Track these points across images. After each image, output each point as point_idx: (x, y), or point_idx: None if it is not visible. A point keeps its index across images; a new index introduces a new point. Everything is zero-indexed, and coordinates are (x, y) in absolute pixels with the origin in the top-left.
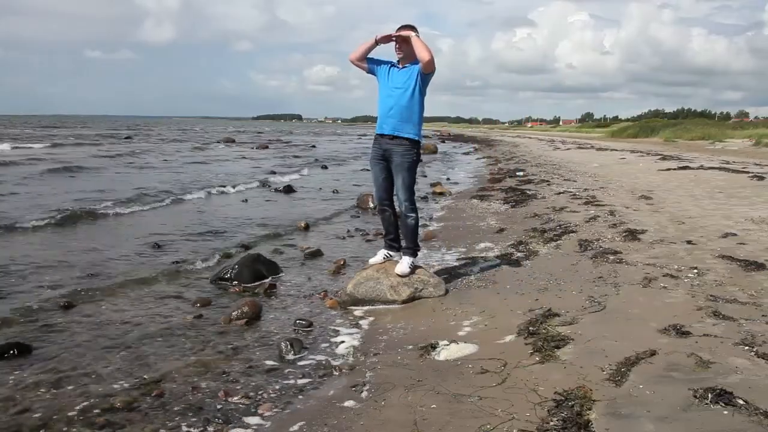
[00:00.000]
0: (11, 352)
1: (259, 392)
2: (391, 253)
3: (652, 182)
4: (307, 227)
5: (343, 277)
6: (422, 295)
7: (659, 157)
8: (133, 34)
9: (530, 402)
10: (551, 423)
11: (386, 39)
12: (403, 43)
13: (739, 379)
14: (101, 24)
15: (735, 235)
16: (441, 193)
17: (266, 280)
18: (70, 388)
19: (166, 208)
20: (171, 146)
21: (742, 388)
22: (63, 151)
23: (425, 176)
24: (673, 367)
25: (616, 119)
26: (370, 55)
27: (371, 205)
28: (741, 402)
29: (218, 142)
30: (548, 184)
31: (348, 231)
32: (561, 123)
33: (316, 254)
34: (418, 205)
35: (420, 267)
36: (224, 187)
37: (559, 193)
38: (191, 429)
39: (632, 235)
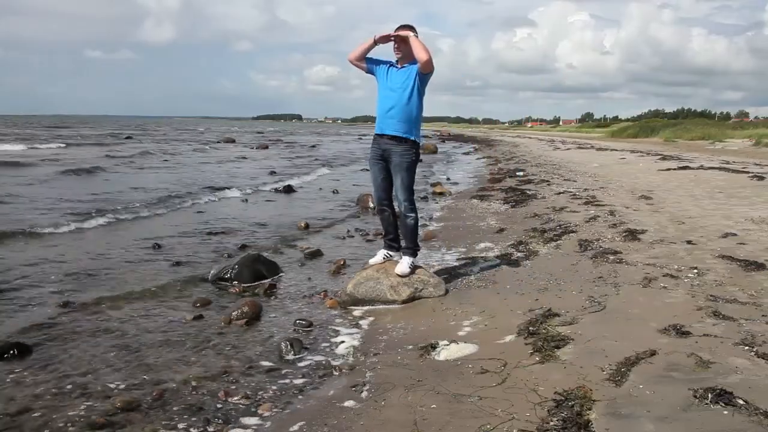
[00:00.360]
0: (11, 352)
1: (259, 392)
2: (390, 253)
3: (652, 182)
4: (307, 227)
5: (343, 277)
6: (422, 295)
7: (659, 157)
8: (134, 34)
9: (530, 402)
10: (551, 423)
11: (385, 39)
12: (402, 43)
13: (739, 379)
14: (101, 24)
15: (735, 235)
16: (441, 193)
17: (266, 280)
18: (69, 388)
19: (183, 210)
20: (181, 146)
21: (742, 388)
22: (77, 151)
23: (425, 176)
24: (673, 367)
25: (616, 119)
26: (369, 55)
27: (371, 205)
28: (741, 402)
29: (219, 141)
30: (548, 184)
31: (348, 231)
32: (561, 123)
33: (316, 254)
34: (418, 205)
35: (420, 267)
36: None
37: (559, 193)
38: (191, 429)
39: (632, 235)
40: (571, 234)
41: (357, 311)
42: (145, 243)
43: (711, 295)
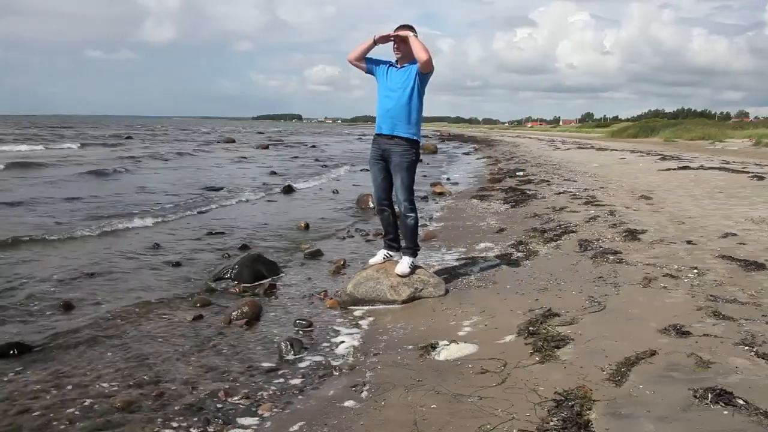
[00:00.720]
0: (11, 352)
1: (259, 392)
2: (390, 253)
3: (652, 182)
4: (307, 227)
5: (343, 277)
6: (422, 295)
7: (659, 157)
8: (134, 34)
9: (530, 402)
10: (551, 423)
11: (384, 39)
12: (402, 43)
13: (739, 379)
14: (101, 24)
15: (735, 235)
16: (441, 193)
17: (266, 280)
18: (69, 388)
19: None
20: (189, 147)
21: (742, 388)
22: (93, 151)
23: (425, 176)
24: (673, 367)
25: (616, 119)
26: (368, 55)
27: (371, 205)
28: (741, 402)
29: (219, 141)
30: (548, 184)
31: (348, 231)
32: (561, 123)
33: (316, 254)
34: (418, 205)
35: (420, 267)
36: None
37: (559, 193)
38: (191, 429)
39: (632, 235)
40: (571, 234)
41: (357, 311)
42: (145, 243)
43: (711, 295)
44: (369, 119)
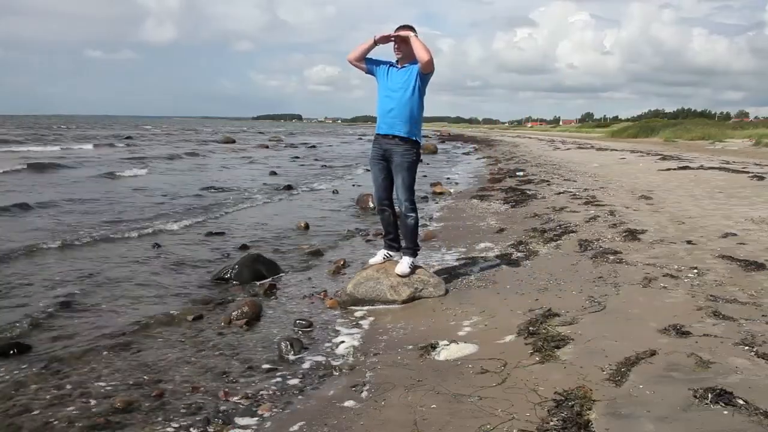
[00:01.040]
0: (11, 352)
1: (259, 392)
2: (390, 253)
3: (652, 182)
4: (307, 227)
5: (343, 277)
6: (422, 295)
7: (659, 157)
8: (134, 34)
9: (530, 402)
10: (551, 423)
11: (385, 39)
12: (402, 44)
13: (739, 379)
14: (102, 24)
15: (735, 235)
16: (441, 193)
17: (266, 280)
18: (69, 387)
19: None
20: (198, 147)
21: (742, 388)
22: (109, 151)
23: (425, 176)
24: (673, 367)
25: (616, 119)
26: (368, 56)
27: (371, 205)
28: (741, 402)
29: (226, 142)
30: (548, 184)
31: (348, 231)
32: (561, 123)
33: (316, 254)
34: (418, 205)
35: (420, 267)
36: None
37: (559, 193)
38: (191, 429)
39: (632, 235)
40: (571, 234)
41: (357, 311)
42: (146, 242)
43: (711, 295)
44: (369, 119)
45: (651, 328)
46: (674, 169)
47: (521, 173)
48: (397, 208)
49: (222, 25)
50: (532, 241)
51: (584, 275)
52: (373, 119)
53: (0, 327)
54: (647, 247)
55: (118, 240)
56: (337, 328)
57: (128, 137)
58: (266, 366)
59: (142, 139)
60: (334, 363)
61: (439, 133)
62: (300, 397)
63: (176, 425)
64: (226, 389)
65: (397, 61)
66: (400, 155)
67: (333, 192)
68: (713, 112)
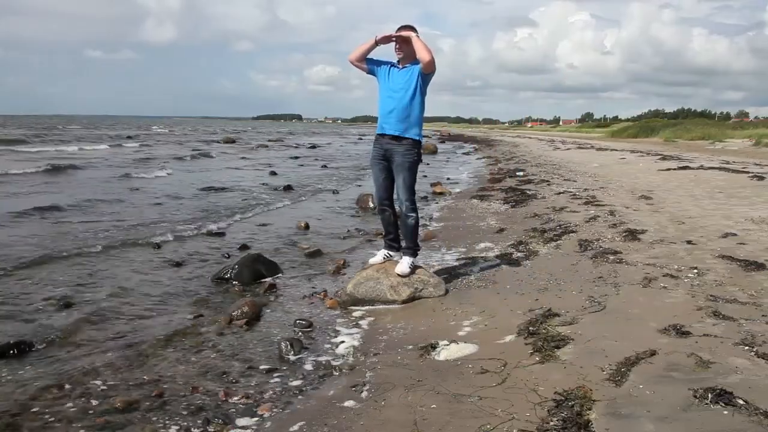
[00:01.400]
0: (11, 351)
1: (259, 392)
2: (391, 253)
3: (652, 182)
4: (307, 227)
5: (343, 277)
6: (422, 295)
7: (659, 157)
8: (134, 34)
9: (530, 402)
10: (551, 423)
11: (386, 39)
12: (403, 44)
13: (739, 379)
14: (102, 24)
15: (735, 235)
16: (441, 193)
17: (266, 280)
18: (69, 387)
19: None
20: (207, 148)
21: (742, 388)
22: (126, 151)
23: (425, 176)
24: (673, 367)
25: (616, 119)
26: (369, 56)
27: (371, 205)
28: (741, 402)
29: (233, 142)
30: (548, 184)
31: (348, 231)
32: (561, 123)
33: (316, 254)
34: (418, 205)
35: (420, 267)
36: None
37: (559, 193)
38: (191, 429)
39: (632, 235)
40: (571, 234)
41: (357, 311)
42: (145, 241)
43: (711, 295)
44: (369, 119)
45: (651, 328)
46: (674, 169)
47: (521, 173)
48: (397, 208)
49: (222, 25)
50: (532, 241)
51: (584, 275)
52: (373, 119)
53: (0, 327)
54: (647, 247)
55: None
56: (337, 328)
57: (128, 137)
58: (266, 366)
59: (150, 139)
60: (334, 363)
61: (439, 133)
62: (300, 397)
63: (176, 425)
64: (226, 389)
65: (398, 62)
66: (401, 155)
67: (333, 192)
68: (713, 112)
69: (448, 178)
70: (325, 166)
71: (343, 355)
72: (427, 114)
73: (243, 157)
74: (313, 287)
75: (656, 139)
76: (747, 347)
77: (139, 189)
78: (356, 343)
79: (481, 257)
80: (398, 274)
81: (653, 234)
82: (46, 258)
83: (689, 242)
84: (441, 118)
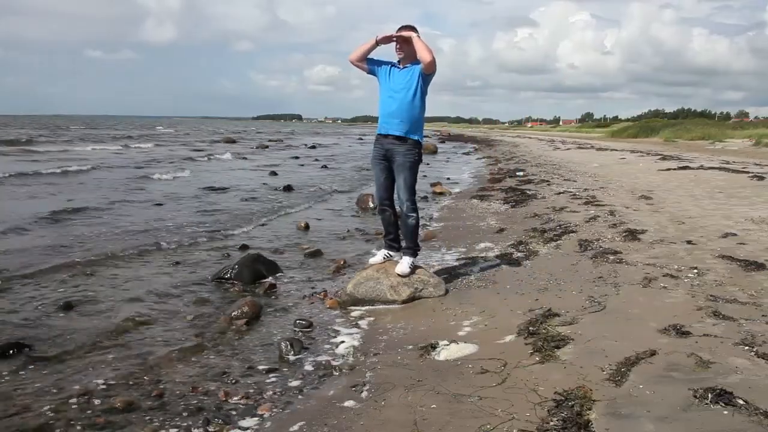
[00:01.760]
0: (11, 351)
1: (259, 392)
2: (391, 253)
3: (652, 182)
4: (307, 227)
5: (343, 277)
6: (422, 295)
7: (659, 157)
8: (134, 34)
9: (530, 402)
10: (551, 423)
11: (387, 39)
12: (404, 44)
13: (739, 379)
14: (102, 24)
15: (735, 235)
16: (441, 193)
17: (266, 280)
18: (69, 387)
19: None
20: (215, 149)
21: (742, 388)
22: (143, 151)
23: (425, 176)
24: (673, 367)
25: (616, 119)
26: (370, 56)
27: (371, 205)
28: (741, 402)
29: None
30: (548, 184)
31: (348, 231)
32: (561, 123)
33: (316, 254)
34: (418, 205)
35: (420, 267)
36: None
37: (559, 193)
38: (191, 429)
39: (632, 235)
40: (571, 234)
41: (357, 311)
42: (144, 241)
43: (711, 295)
44: (369, 119)
45: (651, 328)
46: (674, 169)
47: (521, 173)
48: (397, 208)
49: (222, 25)
50: (532, 241)
51: (584, 275)
52: (373, 119)
53: (0, 327)
54: (647, 247)
55: (115, 235)
56: (337, 328)
57: (128, 137)
58: (266, 366)
59: (158, 139)
60: (334, 363)
61: (439, 133)
62: (300, 397)
63: (176, 425)
64: (226, 389)
65: (398, 62)
66: (401, 155)
67: (333, 191)
68: (713, 112)
69: (448, 178)
70: (325, 167)
71: (343, 355)
72: (427, 114)
73: (247, 158)
74: (313, 287)
75: (656, 139)
76: (747, 347)
77: (161, 191)
78: (356, 343)
79: (481, 257)
80: (398, 274)
81: (653, 234)
82: (52, 261)
83: (689, 242)
84: (441, 118)
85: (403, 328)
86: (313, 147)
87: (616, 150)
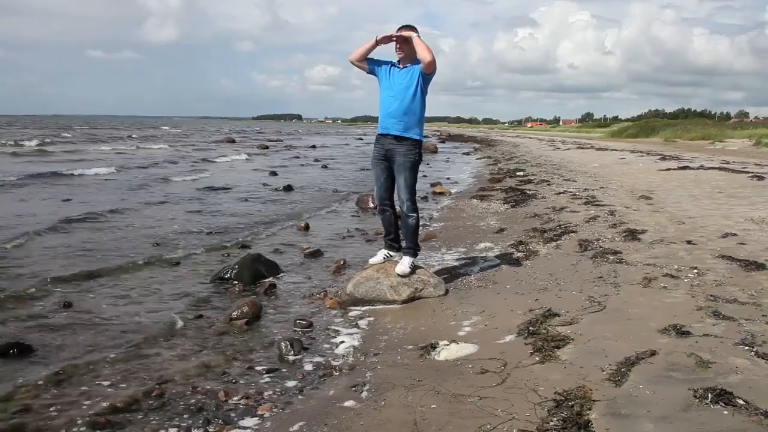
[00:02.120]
0: (11, 351)
1: (259, 392)
2: (391, 253)
3: (652, 182)
4: (307, 227)
5: (343, 277)
6: (422, 295)
7: (659, 157)
8: (135, 34)
9: (530, 402)
10: (551, 423)
11: (387, 39)
12: (404, 44)
13: (739, 379)
14: (102, 24)
15: (735, 235)
16: (441, 193)
17: (266, 280)
18: (70, 387)
19: None
20: (225, 149)
21: (742, 388)
22: (149, 152)
23: (425, 176)
24: (673, 367)
25: (616, 119)
26: (370, 56)
27: (371, 205)
28: (741, 402)
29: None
30: (548, 184)
31: (348, 231)
32: (561, 123)
33: (316, 254)
34: (417, 205)
35: (420, 267)
36: None
37: (559, 193)
38: (191, 429)
39: (632, 235)
40: (571, 234)
41: (357, 311)
42: (145, 241)
43: (711, 295)
44: (369, 119)
45: (651, 328)
46: (674, 169)
47: (521, 173)
48: (397, 208)
49: (223, 25)
50: (532, 241)
51: (584, 275)
52: (373, 119)
53: (0, 327)
54: (647, 247)
55: (115, 235)
56: (337, 328)
57: (129, 136)
58: (266, 366)
59: (166, 140)
60: (334, 363)
61: (439, 133)
62: (300, 397)
63: (176, 425)
64: (226, 389)
65: (398, 61)
66: (402, 155)
67: (333, 191)
68: (713, 112)
69: (448, 178)
70: (325, 167)
71: (343, 355)
72: (427, 114)
73: (266, 155)
74: (313, 287)
75: (656, 139)
76: (747, 347)
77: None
78: (356, 343)
79: (481, 257)
80: (398, 274)
81: (653, 234)
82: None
83: (689, 242)
84: (441, 118)
85: (403, 328)
86: (313, 147)
87: (616, 150)
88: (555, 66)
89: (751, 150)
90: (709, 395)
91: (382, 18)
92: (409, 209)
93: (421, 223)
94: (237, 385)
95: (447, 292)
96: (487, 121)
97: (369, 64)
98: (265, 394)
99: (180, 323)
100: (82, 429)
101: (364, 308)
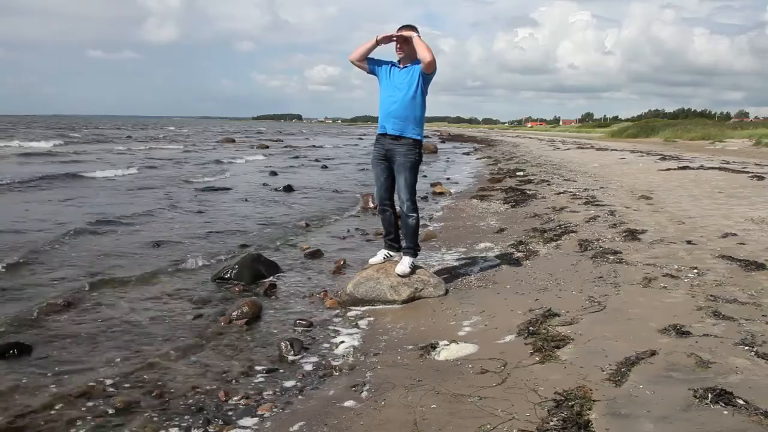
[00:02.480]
0: (11, 351)
1: (259, 392)
2: (391, 253)
3: (652, 182)
4: (307, 227)
5: (343, 277)
6: (422, 295)
7: (659, 157)
8: (135, 34)
9: (530, 402)
10: (551, 423)
11: (387, 39)
12: (404, 44)
13: (739, 379)
14: (102, 24)
15: (735, 235)
16: (441, 193)
17: (266, 280)
18: (70, 387)
19: None
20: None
21: (742, 388)
22: (162, 152)
23: (425, 176)
24: (673, 367)
25: (616, 119)
26: (370, 56)
27: (371, 205)
28: (741, 402)
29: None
30: (548, 184)
31: (348, 231)
32: (561, 123)
33: (316, 254)
34: (417, 205)
35: (420, 267)
36: None
37: (559, 193)
38: (191, 429)
39: (632, 235)
40: (571, 234)
41: (357, 311)
42: (145, 241)
43: (711, 295)
44: (369, 119)
45: (651, 328)
46: (674, 169)
47: (521, 173)
48: (397, 208)
49: (223, 25)
50: (532, 241)
51: (584, 275)
52: (373, 120)
53: (0, 326)
54: (647, 247)
55: (116, 236)
56: (337, 328)
57: (128, 136)
58: (266, 366)
59: (175, 140)
60: (334, 363)
61: (439, 133)
62: (300, 397)
63: (176, 425)
64: (226, 389)
65: (399, 61)
66: (402, 155)
67: (333, 191)
68: (713, 112)
69: (448, 178)
70: (325, 167)
71: (343, 355)
72: (427, 114)
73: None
74: (313, 287)
75: (656, 139)
76: (747, 347)
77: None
78: (356, 343)
79: (481, 257)
80: (398, 274)
81: (653, 234)
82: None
83: (689, 242)
84: (441, 118)
85: (403, 328)
86: (314, 147)
87: (616, 150)
88: (555, 66)
89: (751, 150)
90: (709, 395)
91: (382, 18)
92: (409, 209)
93: (421, 223)
94: (237, 385)
95: (447, 292)
96: (487, 121)
97: (369, 63)
98: (265, 394)
99: (180, 323)
100: (82, 429)
101: (364, 308)
